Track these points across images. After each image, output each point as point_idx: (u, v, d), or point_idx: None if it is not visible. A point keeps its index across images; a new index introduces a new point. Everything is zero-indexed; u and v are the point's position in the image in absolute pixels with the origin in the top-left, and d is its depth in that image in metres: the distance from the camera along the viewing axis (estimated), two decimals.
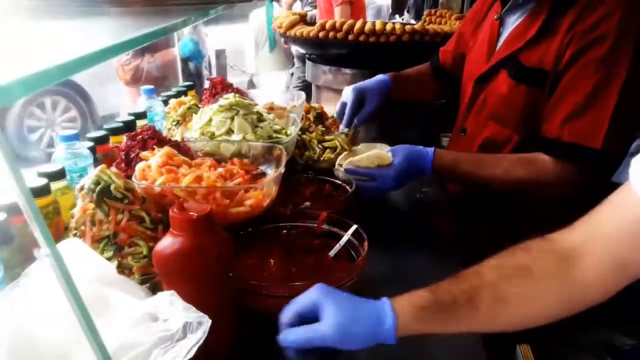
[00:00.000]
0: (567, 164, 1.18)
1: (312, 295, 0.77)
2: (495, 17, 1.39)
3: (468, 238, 1.32)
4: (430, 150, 1.29)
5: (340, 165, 1.36)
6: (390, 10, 5.66)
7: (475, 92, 1.42)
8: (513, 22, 1.34)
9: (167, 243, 0.79)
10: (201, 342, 0.58)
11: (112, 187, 0.93)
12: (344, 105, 1.55)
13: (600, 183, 1.21)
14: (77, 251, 0.77)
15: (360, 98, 1.53)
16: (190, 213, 0.79)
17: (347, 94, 1.54)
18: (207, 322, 0.60)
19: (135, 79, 3.19)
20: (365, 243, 0.99)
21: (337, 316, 0.73)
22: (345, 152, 1.45)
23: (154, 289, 0.88)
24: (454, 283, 0.76)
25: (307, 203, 1.22)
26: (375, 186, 1.29)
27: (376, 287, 1.05)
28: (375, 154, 1.30)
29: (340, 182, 1.35)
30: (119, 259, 0.91)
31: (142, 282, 0.88)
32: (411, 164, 1.28)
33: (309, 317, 0.76)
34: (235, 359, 0.84)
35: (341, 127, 1.56)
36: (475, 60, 1.46)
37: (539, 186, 1.22)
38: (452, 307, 0.73)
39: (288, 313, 0.78)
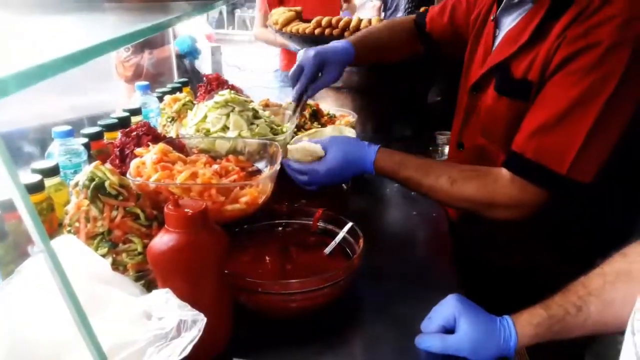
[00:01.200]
0: (526, 184, 1.03)
1: (451, 308, 0.86)
2: (492, 17, 1.24)
3: (463, 236, 1.33)
4: (373, 149, 1.15)
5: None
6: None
7: (470, 102, 1.28)
8: (509, 23, 1.18)
9: (162, 240, 0.79)
10: (196, 340, 0.58)
11: (107, 183, 0.92)
12: (300, 69, 1.35)
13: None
14: (71, 248, 0.76)
15: (320, 66, 1.35)
16: (186, 210, 0.79)
17: (307, 58, 1.34)
18: (202, 320, 0.59)
19: (136, 76, 3.16)
20: (361, 240, 0.99)
21: (473, 332, 0.83)
22: (303, 133, 1.40)
23: (149, 286, 0.88)
24: (563, 296, 0.83)
25: (303, 200, 1.22)
26: (305, 181, 1.17)
27: (372, 284, 1.05)
28: (305, 147, 1.17)
29: None
30: (114, 255, 0.90)
31: (136, 279, 0.87)
32: (347, 162, 1.14)
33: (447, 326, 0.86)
34: (230, 357, 0.84)
35: (293, 93, 1.37)
36: (473, 66, 1.31)
37: (489, 205, 1.07)
38: (564, 319, 0.81)
39: (432, 326, 0.87)
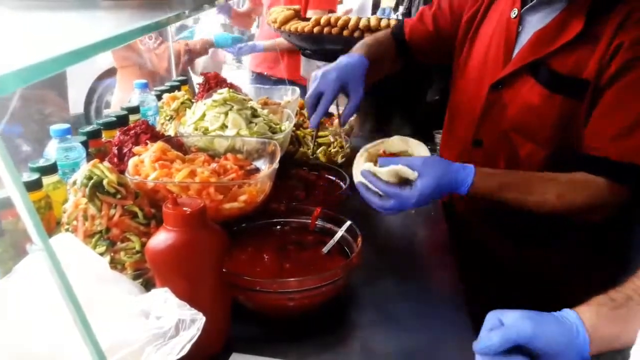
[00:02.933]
0: (620, 186, 1.07)
1: (529, 328, 0.74)
2: (512, 14, 1.22)
3: (463, 233, 1.33)
4: (470, 172, 1.06)
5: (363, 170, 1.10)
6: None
7: (491, 99, 1.24)
8: (537, 21, 1.18)
9: (160, 238, 0.79)
10: (195, 339, 0.57)
11: (105, 181, 0.92)
12: (318, 94, 1.25)
13: None
14: (69, 246, 0.76)
15: (342, 89, 1.27)
16: (184, 208, 0.79)
17: (327, 83, 1.24)
18: (200, 319, 0.59)
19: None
20: (359, 239, 0.99)
21: (555, 345, 0.74)
22: (370, 151, 1.19)
23: (147, 285, 0.88)
24: (625, 285, 0.79)
25: (301, 199, 1.22)
26: (390, 206, 1.06)
27: (370, 282, 1.05)
28: (398, 170, 1.05)
29: (334, 178, 1.35)
30: (112, 254, 0.90)
31: (134, 278, 0.87)
32: (440, 186, 1.04)
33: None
34: (228, 354, 0.84)
35: (312, 120, 1.28)
36: (485, 63, 1.29)
37: (593, 209, 1.10)
38: (627, 303, 0.77)
39: (503, 342, 0.75)
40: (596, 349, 0.76)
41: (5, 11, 0.94)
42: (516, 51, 1.21)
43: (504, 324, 0.75)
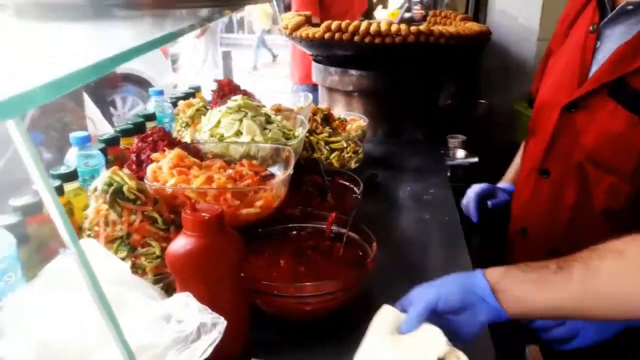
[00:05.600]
0: None
1: (432, 294, 0.80)
2: (591, 28, 1.10)
3: (478, 238, 1.33)
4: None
5: None
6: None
7: (563, 122, 1.12)
8: (618, 36, 1.05)
9: (180, 243, 0.81)
10: (216, 342, 0.59)
11: (125, 188, 0.94)
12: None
13: None
14: (92, 251, 0.78)
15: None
16: (202, 214, 0.81)
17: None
18: (222, 323, 0.61)
19: None
20: (374, 244, 1.00)
21: (455, 302, 0.79)
22: None
23: (167, 289, 0.89)
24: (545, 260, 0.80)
25: (315, 204, 1.23)
26: None
27: (385, 287, 1.06)
28: None
29: (348, 184, 1.36)
30: (133, 259, 0.92)
31: (155, 282, 0.89)
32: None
33: None
34: (248, 357, 0.85)
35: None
36: (558, 83, 1.17)
37: None
38: (540, 270, 0.78)
39: (419, 316, 0.78)
40: (513, 310, 0.78)
41: (26, 23, 0.96)
42: (593, 69, 1.09)
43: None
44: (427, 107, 2.22)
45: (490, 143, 2.45)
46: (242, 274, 0.88)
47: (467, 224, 1.48)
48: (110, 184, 0.95)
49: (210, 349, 0.59)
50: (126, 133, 1.37)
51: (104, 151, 1.25)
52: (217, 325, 0.61)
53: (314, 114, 1.71)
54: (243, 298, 0.88)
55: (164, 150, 1.14)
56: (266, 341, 0.91)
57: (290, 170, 1.10)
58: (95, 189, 0.96)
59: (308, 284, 0.91)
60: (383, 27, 1.91)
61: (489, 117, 2.75)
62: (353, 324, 0.97)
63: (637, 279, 0.75)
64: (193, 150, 1.19)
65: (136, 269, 0.91)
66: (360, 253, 1.05)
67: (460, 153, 2.27)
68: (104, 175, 0.97)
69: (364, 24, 1.95)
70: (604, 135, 1.04)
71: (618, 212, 1.05)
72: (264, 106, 1.42)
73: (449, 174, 1.99)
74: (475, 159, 2.23)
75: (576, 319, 0.94)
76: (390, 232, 1.30)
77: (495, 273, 0.80)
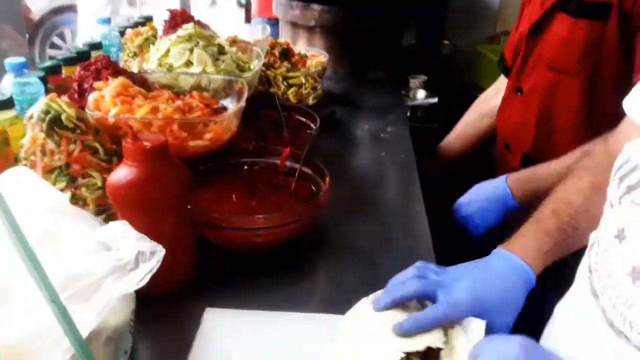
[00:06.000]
0: None
1: None
2: None
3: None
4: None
5: None
6: None
7: (530, 45, 1.28)
8: None
9: (121, 174, 0.77)
10: (154, 270, 0.57)
11: (63, 116, 0.89)
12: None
13: None
14: (26, 180, 0.73)
15: None
16: (144, 143, 0.77)
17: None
18: (160, 251, 0.58)
19: None
20: (327, 178, 0.98)
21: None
22: None
23: (110, 221, 0.86)
24: (557, 219, 0.79)
25: (270, 139, 1.20)
26: None
27: (337, 221, 1.06)
28: None
29: (305, 120, 1.33)
30: (73, 189, 0.88)
31: (97, 214, 0.85)
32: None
33: None
34: (193, 291, 0.84)
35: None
36: (529, 13, 1.32)
37: None
38: (567, 241, 0.78)
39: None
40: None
41: None
42: None
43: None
44: (391, 46, 2.17)
45: (452, 84, 2.44)
46: (188, 206, 0.85)
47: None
48: (47, 112, 0.89)
49: (148, 277, 0.57)
50: (69, 62, 1.29)
51: (44, 80, 1.17)
52: (155, 254, 0.58)
53: (272, 47, 1.64)
54: (188, 230, 0.85)
55: (107, 79, 1.07)
56: (215, 272, 0.89)
57: (243, 103, 1.06)
58: (31, 117, 0.90)
59: (258, 216, 0.89)
60: None
61: (452, 58, 2.72)
62: (305, 256, 0.97)
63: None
64: (139, 79, 1.12)
65: (77, 200, 0.87)
66: (314, 188, 1.03)
67: (421, 93, 2.25)
68: (41, 102, 0.90)
69: None
70: (557, 43, 1.21)
71: (575, 112, 1.21)
72: (217, 37, 1.35)
73: (408, 114, 1.98)
74: (435, 100, 2.22)
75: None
76: (345, 169, 1.29)
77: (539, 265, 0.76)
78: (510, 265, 0.74)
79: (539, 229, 0.79)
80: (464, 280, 0.71)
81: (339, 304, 0.76)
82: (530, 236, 0.78)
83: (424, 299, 0.72)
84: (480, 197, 1.25)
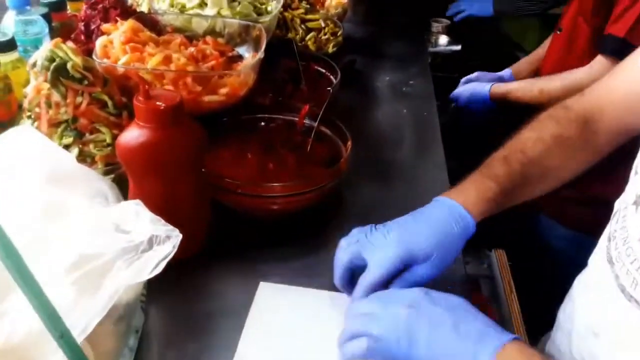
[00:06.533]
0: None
1: None
2: None
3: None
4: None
5: None
6: None
7: None
8: None
9: (132, 135, 0.71)
10: (170, 257, 0.53)
11: (69, 65, 0.82)
12: None
13: None
14: (29, 140, 0.68)
15: None
16: (157, 103, 0.70)
17: None
18: (177, 236, 0.54)
19: None
20: (349, 143, 0.92)
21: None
22: None
23: (119, 181, 0.81)
24: (507, 165, 0.76)
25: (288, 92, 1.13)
26: None
27: (356, 187, 1.01)
28: None
29: (324, 71, 1.24)
30: (80, 146, 0.83)
31: (105, 173, 0.80)
32: None
33: None
34: (207, 255, 0.81)
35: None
36: None
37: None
38: (514, 191, 0.75)
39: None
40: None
41: None
42: None
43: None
44: None
45: (477, 31, 2.31)
46: (203, 170, 0.80)
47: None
48: (52, 60, 0.82)
49: (163, 264, 0.53)
50: None
51: (48, 17, 1.09)
52: (171, 238, 0.54)
53: None
54: (203, 195, 0.81)
55: (116, 21, 0.99)
56: (229, 239, 0.86)
57: (261, 54, 0.98)
58: (35, 64, 0.83)
59: (275, 184, 0.84)
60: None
61: None
62: (322, 224, 0.93)
63: (569, 167, 0.81)
64: (150, 21, 1.04)
65: (84, 157, 0.82)
66: (334, 151, 0.98)
67: (443, 39, 2.14)
68: (45, 48, 0.83)
69: None
70: None
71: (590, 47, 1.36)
72: None
73: (429, 61, 1.88)
74: (458, 47, 2.11)
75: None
76: (365, 127, 1.22)
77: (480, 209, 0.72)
78: (447, 212, 0.71)
79: (486, 174, 0.75)
80: (392, 232, 0.69)
81: None
82: (476, 182, 0.74)
83: (358, 264, 0.70)
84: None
